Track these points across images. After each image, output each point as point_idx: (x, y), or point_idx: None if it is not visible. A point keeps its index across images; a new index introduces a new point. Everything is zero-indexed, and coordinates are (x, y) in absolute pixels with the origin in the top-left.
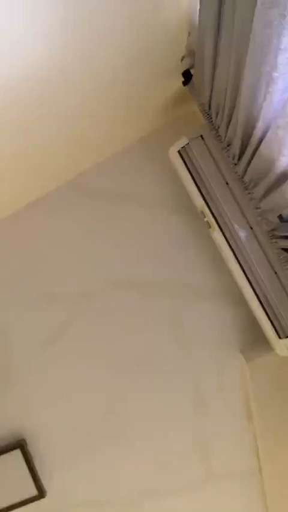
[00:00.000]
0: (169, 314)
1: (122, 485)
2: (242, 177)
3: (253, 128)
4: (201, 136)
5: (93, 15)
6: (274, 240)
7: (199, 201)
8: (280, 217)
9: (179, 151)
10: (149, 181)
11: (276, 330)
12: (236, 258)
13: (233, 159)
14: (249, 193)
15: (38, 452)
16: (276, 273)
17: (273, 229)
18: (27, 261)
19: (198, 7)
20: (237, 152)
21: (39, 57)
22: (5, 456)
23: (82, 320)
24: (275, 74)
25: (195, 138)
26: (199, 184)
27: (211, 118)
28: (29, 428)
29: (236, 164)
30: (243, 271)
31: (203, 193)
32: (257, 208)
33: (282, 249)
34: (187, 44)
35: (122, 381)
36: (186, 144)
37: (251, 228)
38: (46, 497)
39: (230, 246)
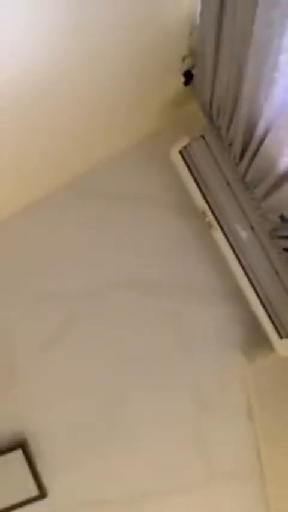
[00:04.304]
0: (170, 314)
1: (124, 485)
2: (243, 177)
3: (254, 127)
4: (203, 136)
5: (94, 15)
6: (275, 240)
7: (200, 201)
8: (281, 217)
9: (180, 152)
10: (149, 181)
11: (277, 330)
12: (237, 258)
13: (234, 159)
14: (250, 193)
15: (40, 452)
16: (277, 273)
17: (274, 230)
18: (28, 261)
19: (199, 7)
20: (238, 152)
21: (39, 57)
22: (6, 456)
23: (83, 320)
24: (276, 74)
25: (196, 138)
26: (200, 185)
27: (212, 118)
28: (31, 428)
29: (237, 164)
30: (244, 271)
31: (204, 194)
32: (258, 208)
33: (283, 248)
34: (188, 44)
35: (123, 381)
36: (187, 144)
37: (252, 228)
38: (48, 497)
39: (231, 246)
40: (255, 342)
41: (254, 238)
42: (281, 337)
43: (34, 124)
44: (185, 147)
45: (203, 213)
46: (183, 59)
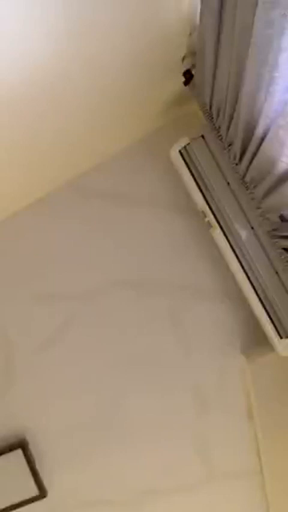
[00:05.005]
0: (170, 314)
1: (124, 485)
2: (243, 177)
3: (254, 128)
4: (202, 136)
5: (94, 15)
6: (275, 240)
7: (200, 201)
8: (281, 217)
9: (180, 151)
10: (149, 181)
11: (277, 330)
12: (237, 258)
13: (234, 159)
14: (250, 193)
15: (40, 452)
16: (277, 272)
17: (274, 229)
18: (27, 261)
19: (199, 7)
20: (238, 152)
21: (39, 58)
22: (6, 456)
23: (82, 320)
24: (276, 74)
25: (196, 138)
26: (200, 184)
27: (212, 118)
28: (31, 428)
29: (237, 164)
30: (244, 271)
31: (204, 193)
32: (258, 208)
33: (283, 248)
34: (188, 44)
35: (122, 381)
36: (187, 144)
37: (252, 228)
38: (47, 497)
39: (231, 246)
40: (255, 342)
41: (254, 238)
42: (281, 337)
43: (33, 124)
44: (184, 147)
45: (203, 213)
46: (183, 59)
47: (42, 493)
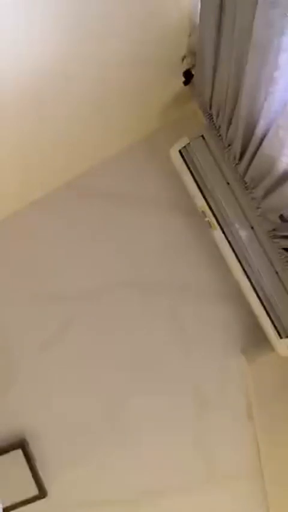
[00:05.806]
0: (170, 314)
1: (124, 485)
2: (243, 177)
3: (254, 127)
4: (202, 136)
5: (94, 15)
6: (275, 240)
7: (200, 201)
8: (281, 217)
9: (180, 151)
10: (149, 181)
11: (277, 330)
12: (237, 257)
13: (234, 159)
14: (250, 193)
15: (39, 452)
16: (277, 272)
17: (274, 229)
18: (27, 261)
19: (199, 7)
20: (238, 152)
21: (39, 57)
22: (6, 456)
23: (83, 320)
24: (276, 74)
25: (196, 138)
26: (200, 184)
27: (212, 118)
28: (30, 428)
29: (237, 164)
30: (244, 271)
31: (204, 193)
32: (257, 208)
33: (283, 248)
34: (188, 44)
35: (123, 381)
36: (187, 144)
37: (252, 228)
38: (47, 497)
39: (231, 245)
40: (255, 342)
41: (254, 238)
42: (281, 337)
43: (33, 124)
44: (185, 147)
45: (203, 213)
46: (183, 59)
47: (42, 493)
